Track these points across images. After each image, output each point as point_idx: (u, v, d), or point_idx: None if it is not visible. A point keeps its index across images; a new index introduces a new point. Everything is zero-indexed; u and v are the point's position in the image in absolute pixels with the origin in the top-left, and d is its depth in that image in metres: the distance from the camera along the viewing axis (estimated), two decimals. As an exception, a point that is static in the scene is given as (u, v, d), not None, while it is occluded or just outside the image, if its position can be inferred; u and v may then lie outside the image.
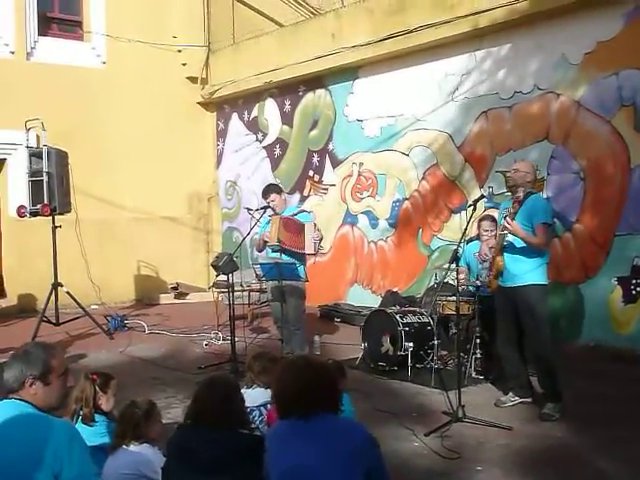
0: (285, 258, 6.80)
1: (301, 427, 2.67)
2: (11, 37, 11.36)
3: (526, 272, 5.36)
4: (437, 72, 9.32)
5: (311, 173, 11.48)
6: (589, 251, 7.72)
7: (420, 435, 4.98)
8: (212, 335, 8.56)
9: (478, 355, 6.50)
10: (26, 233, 10.72)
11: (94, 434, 3.74)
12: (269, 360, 4.42)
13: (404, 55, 9.57)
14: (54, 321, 8.66)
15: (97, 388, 3.91)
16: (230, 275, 7.15)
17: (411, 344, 6.57)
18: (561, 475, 4.30)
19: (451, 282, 6.57)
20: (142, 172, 12.19)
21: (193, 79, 13.07)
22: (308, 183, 11.55)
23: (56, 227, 8.75)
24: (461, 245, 5.50)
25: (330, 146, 11.10)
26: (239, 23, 12.58)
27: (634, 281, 7.29)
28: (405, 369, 6.57)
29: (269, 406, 4.06)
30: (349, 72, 10.55)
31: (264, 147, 12.41)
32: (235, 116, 13.09)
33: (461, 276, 5.66)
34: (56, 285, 8.79)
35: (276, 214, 6.97)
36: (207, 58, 13.06)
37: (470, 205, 5.76)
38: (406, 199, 9.91)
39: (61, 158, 8.88)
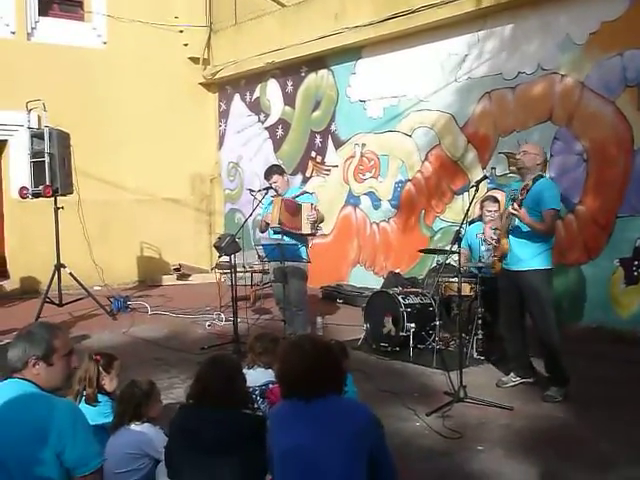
0: (287, 239, 6.80)
1: (304, 408, 2.65)
2: (12, 17, 11.27)
3: (532, 256, 5.31)
4: (440, 52, 9.25)
5: (313, 154, 11.45)
6: (591, 233, 7.71)
7: (422, 415, 5.01)
8: (214, 316, 8.59)
9: (480, 336, 6.52)
10: (28, 214, 10.71)
11: (97, 414, 3.77)
12: (270, 341, 4.46)
13: (407, 35, 9.48)
14: (57, 302, 8.68)
15: (100, 369, 3.95)
16: (232, 256, 7.13)
17: (413, 325, 6.59)
18: (562, 455, 4.32)
19: (453, 263, 6.58)
20: (144, 153, 12.18)
21: (195, 60, 13.02)
22: (310, 164, 11.52)
23: (58, 208, 8.72)
24: (463, 226, 5.47)
25: (332, 127, 11.06)
26: (241, 3, 12.44)
27: (636, 263, 7.28)
28: (407, 350, 6.59)
29: (270, 386, 4.09)
30: (352, 52, 10.47)
31: (266, 128, 12.36)
32: (237, 97, 13.03)
33: (461, 258, 5.62)
34: (59, 266, 8.80)
35: (278, 195, 6.94)
36: (209, 38, 13.00)
37: (473, 186, 5.74)
38: (409, 180, 9.88)
39: (63, 139, 8.86)
